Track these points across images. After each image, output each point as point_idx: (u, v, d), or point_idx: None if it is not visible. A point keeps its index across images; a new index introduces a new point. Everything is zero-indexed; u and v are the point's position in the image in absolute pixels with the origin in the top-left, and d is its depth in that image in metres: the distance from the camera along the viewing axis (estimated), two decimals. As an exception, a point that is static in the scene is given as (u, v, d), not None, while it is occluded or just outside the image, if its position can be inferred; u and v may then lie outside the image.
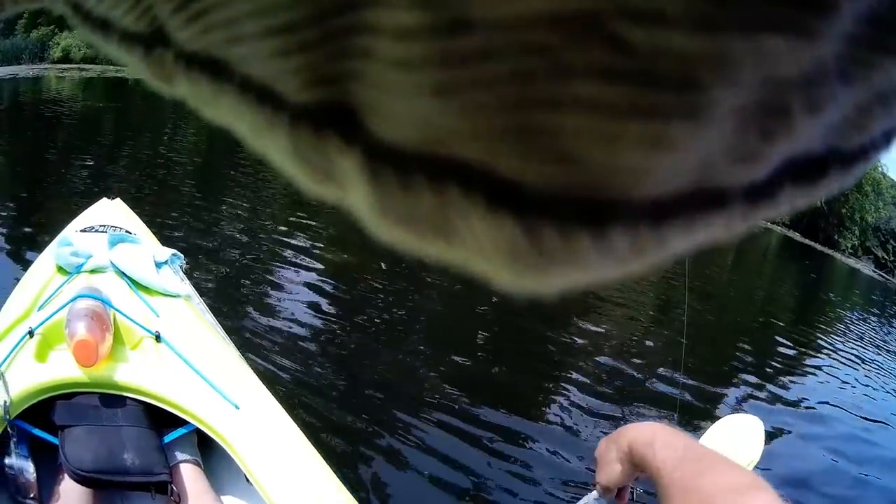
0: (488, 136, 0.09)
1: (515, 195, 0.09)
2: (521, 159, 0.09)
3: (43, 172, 5.88)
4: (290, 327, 3.48)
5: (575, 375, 3.85)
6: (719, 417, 2.24)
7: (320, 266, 4.60)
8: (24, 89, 13.58)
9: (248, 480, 1.31)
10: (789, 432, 3.83)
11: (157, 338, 1.55)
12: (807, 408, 4.53)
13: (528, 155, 0.09)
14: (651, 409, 3.58)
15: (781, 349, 6.08)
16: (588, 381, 3.78)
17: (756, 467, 1.80)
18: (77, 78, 17.27)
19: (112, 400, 1.36)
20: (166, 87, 0.13)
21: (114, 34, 0.14)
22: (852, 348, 7.27)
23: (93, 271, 1.79)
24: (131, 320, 1.57)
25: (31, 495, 1.20)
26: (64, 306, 1.47)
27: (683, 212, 0.10)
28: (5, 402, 1.22)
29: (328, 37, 0.09)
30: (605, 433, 0.83)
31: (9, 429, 1.23)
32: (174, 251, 2.11)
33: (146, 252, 1.97)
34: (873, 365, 6.71)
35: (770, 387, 4.69)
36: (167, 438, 1.37)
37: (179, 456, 1.36)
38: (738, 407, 4.03)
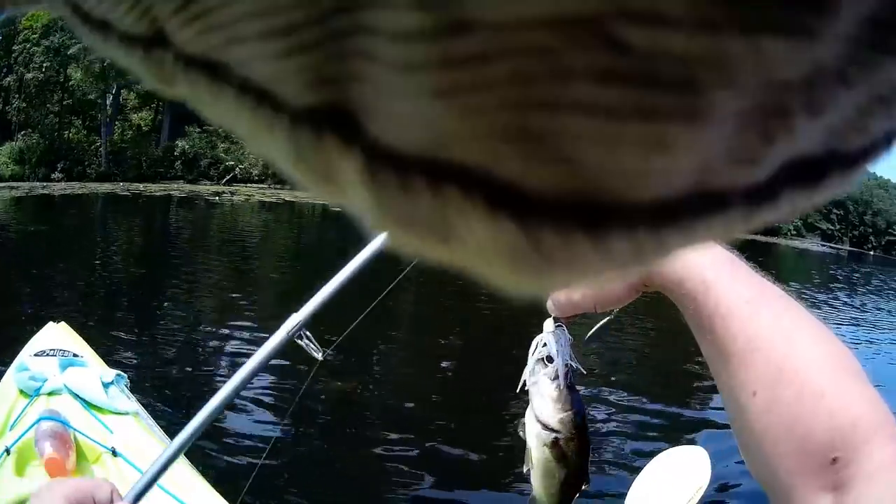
0: (488, 138, 0.09)
1: (515, 198, 0.09)
2: (520, 162, 0.09)
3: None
4: (237, 429, 3.66)
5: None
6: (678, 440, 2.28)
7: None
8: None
9: None
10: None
11: (114, 453, 1.83)
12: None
13: (527, 157, 0.09)
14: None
15: None
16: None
17: (704, 494, 1.93)
18: (7, 197, 17.18)
19: None
20: (166, 88, 0.13)
21: (113, 35, 0.14)
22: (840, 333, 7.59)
23: (50, 394, 2.05)
24: (89, 438, 1.84)
25: None
26: (31, 427, 1.75)
27: (683, 214, 0.09)
28: None
29: (328, 39, 0.09)
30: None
31: None
32: (118, 372, 2.36)
33: (93, 374, 2.23)
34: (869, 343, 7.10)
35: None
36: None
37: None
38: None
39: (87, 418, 1.96)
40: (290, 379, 4.19)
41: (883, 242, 75.71)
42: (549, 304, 0.62)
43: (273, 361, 1.20)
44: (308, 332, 1.21)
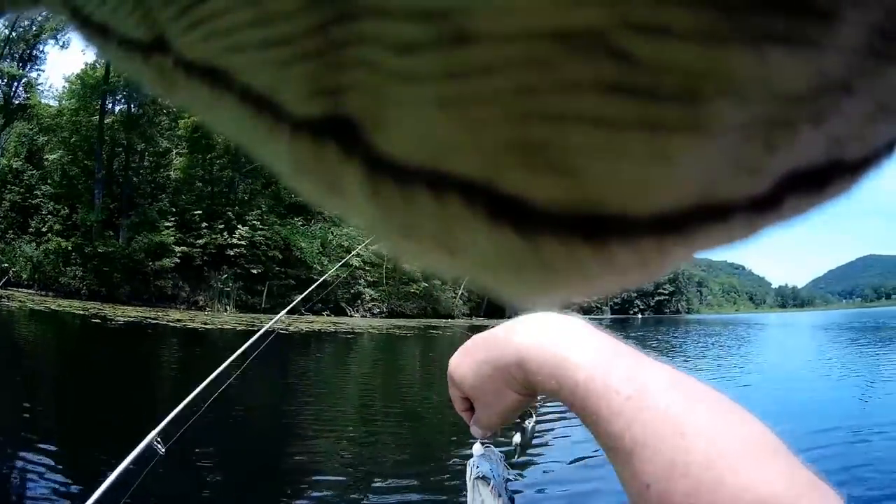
0: (491, 150, 0.09)
1: (518, 208, 0.09)
2: (523, 173, 0.09)
3: None
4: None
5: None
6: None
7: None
8: None
9: None
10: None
11: None
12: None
13: (530, 169, 0.09)
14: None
15: None
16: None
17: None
18: None
19: None
20: (167, 93, 0.13)
21: (112, 40, 0.14)
22: None
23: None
24: None
25: None
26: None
27: (686, 224, 0.09)
28: None
29: (329, 48, 0.09)
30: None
31: None
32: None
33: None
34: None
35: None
36: None
37: None
38: None
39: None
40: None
41: (653, 303, 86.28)
42: (473, 429, 0.60)
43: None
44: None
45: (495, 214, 0.09)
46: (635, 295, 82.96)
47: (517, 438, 0.67)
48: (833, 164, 0.11)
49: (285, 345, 15.62)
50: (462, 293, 40.31)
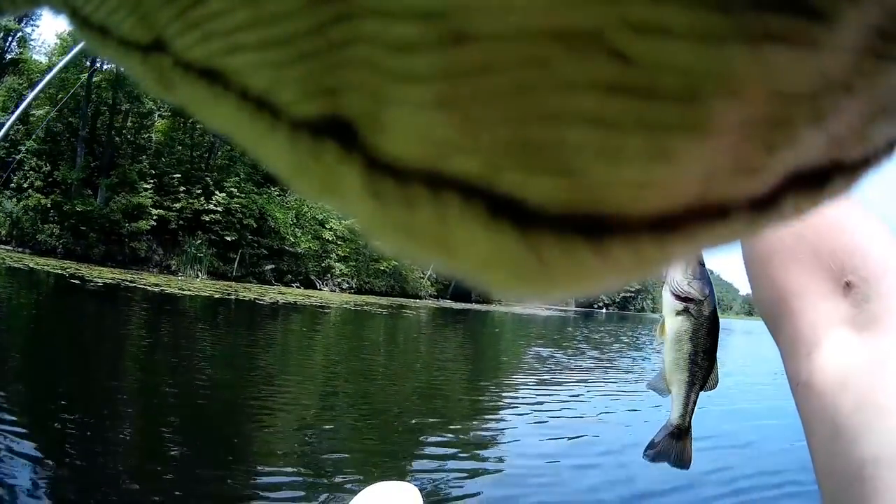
0: (489, 149, 0.09)
1: (516, 208, 0.09)
2: (522, 173, 0.09)
3: None
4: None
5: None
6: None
7: None
8: None
9: None
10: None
11: None
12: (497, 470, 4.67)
13: (529, 169, 0.09)
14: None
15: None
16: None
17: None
18: None
19: None
20: (165, 93, 0.13)
21: (111, 40, 0.14)
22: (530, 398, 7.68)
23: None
24: None
25: None
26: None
27: (686, 223, 0.09)
28: None
29: (327, 48, 0.09)
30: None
31: None
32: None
33: None
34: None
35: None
36: None
37: None
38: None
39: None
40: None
41: (618, 300, 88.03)
42: None
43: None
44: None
45: (494, 214, 0.09)
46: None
47: None
48: (833, 164, 0.11)
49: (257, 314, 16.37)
50: (430, 275, 41.22)
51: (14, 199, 25.67)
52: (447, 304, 38.21)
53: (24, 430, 4.17)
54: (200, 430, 4.95)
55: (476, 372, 10.32)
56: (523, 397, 7.92)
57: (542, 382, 9.32)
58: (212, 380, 6.92)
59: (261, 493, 3.70)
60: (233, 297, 19.39)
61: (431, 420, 6.17)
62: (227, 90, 0.11)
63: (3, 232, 25.01)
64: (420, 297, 39.58)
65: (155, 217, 28.01)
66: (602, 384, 9.81)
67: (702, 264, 0.72)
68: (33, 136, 25.82)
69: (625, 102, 0.08)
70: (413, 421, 6.08)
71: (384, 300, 31.79)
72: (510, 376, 9.84)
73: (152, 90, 0.14)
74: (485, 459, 4.92)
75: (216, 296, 18.98)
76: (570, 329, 26.20)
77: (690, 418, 0.74)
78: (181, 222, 29.23)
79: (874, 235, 0.48)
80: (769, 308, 0.53)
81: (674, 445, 0.75)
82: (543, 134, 0.08)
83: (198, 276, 27.80)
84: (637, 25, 0.08)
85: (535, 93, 0.08)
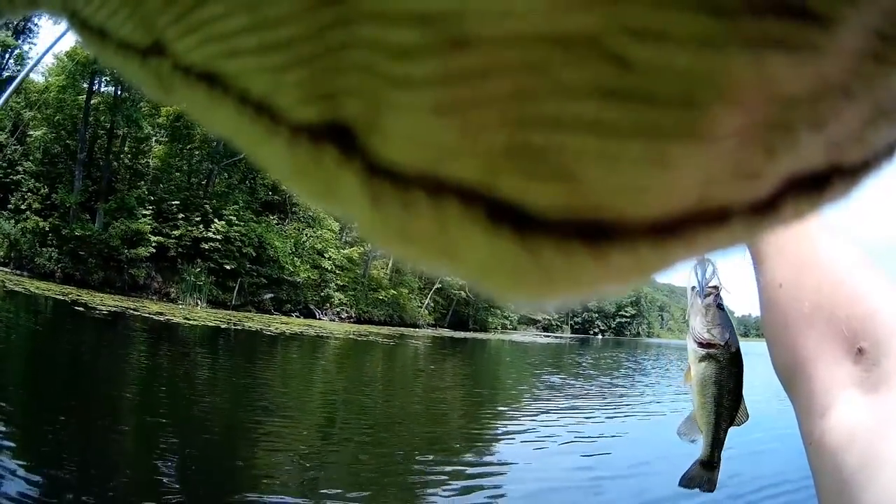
0: (489, 155, 0.09)
1: (516, 213, 0.09)
2: (521, 179, 0.09)
3: None
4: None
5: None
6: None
7: None
8: None
9: None
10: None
11: None
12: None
13: (528, 174, 0.08)
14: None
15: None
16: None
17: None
18: None
19: None
20: (164, 97, 0.13)
21: (111, 43, 0.14)
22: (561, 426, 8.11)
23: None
24: None
25: None
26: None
27: (685, 228, 0.09)
28: None
29: (325, 53, 0.09)
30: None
31: None
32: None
33: None
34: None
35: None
36: None
37: None
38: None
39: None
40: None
41: (613, 325, 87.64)
42: None
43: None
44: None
45: (494, 219, 0.09)
46: (596, 315, 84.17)
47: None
48: (833, 168, 0.11)
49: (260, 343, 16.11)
50: (428, 304, 40.90)
51: (12, 221, 25.16)
52: (446, 332, 37.79)
53: (22, 447, 4.35)
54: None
55: (488, 399, 10.60)
56: (541, 422, 8.26)
57: (560, 409, 9.62)
58: (229, 408, 7.27)
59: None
60: (238, 327, 19.02)
61: (441, 448, 6.39)
62: (227, 94, 0.11)
63: (2, 253, 24.46)
64: (418, 326, 38.96)
65: (154, 244, 27.53)
66: (614, 409, 10.13)
67: (720, 307, 0.76)
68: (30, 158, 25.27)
69: (623, 108, 0.08)
70: (419, 456, 6.14)
71: (385, 329, 31.36)
72: (528, 405, 10.06)
73: (152, 94, 0.14)
74: (491, 487, 5.17)
75: (222, 325, 18.42)
76: (573, 356, 26.36)
77: (720, 453, 0.79)
78: (180, 249, 28.69)
79: (887, 298, 0.50)
80: (786, 371, 0.55)
81: (704, 475, 0.80)
82: (542, 139, 0.08)
83: (198, 304, 27.19)
84: (636, 31, 0.08)
85: (533, 98, 0.08)
